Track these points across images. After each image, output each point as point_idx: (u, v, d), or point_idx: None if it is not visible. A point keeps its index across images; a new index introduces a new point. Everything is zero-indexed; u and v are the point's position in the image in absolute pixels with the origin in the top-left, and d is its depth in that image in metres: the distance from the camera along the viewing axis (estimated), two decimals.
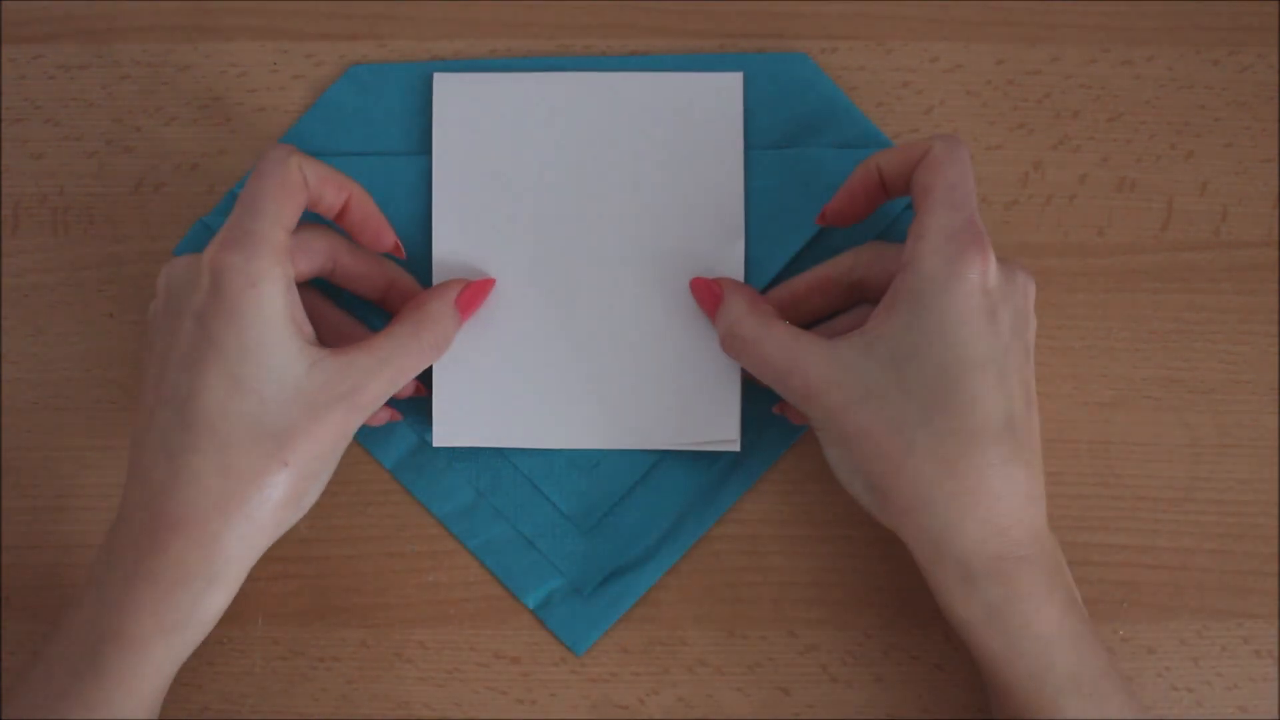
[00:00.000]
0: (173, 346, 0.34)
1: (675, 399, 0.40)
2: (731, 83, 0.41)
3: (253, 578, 0.40)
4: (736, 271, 0.41)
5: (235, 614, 0.41)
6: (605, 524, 0.41)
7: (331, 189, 0.36)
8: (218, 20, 0.43)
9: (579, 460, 0.41)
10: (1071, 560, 0.41)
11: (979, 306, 0.34)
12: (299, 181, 0.35)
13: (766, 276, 0.41)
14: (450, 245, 0.41)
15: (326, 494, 0.41)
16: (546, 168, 0.41)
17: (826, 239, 0.41)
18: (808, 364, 0.35)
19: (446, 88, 0.42)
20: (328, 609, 0.41)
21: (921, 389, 0.34)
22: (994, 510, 0.34)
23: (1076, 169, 0.43)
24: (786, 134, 0.42)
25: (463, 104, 0.41)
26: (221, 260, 0.34)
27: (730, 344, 0.38)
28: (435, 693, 0.41)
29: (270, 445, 0.34)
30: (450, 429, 0.41)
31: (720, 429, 0.40)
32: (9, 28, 0.43)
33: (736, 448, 0.41)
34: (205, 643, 0.40)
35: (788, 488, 0.42)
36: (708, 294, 0.39)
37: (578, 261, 0.41)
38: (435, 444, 0.41)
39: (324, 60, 0.43)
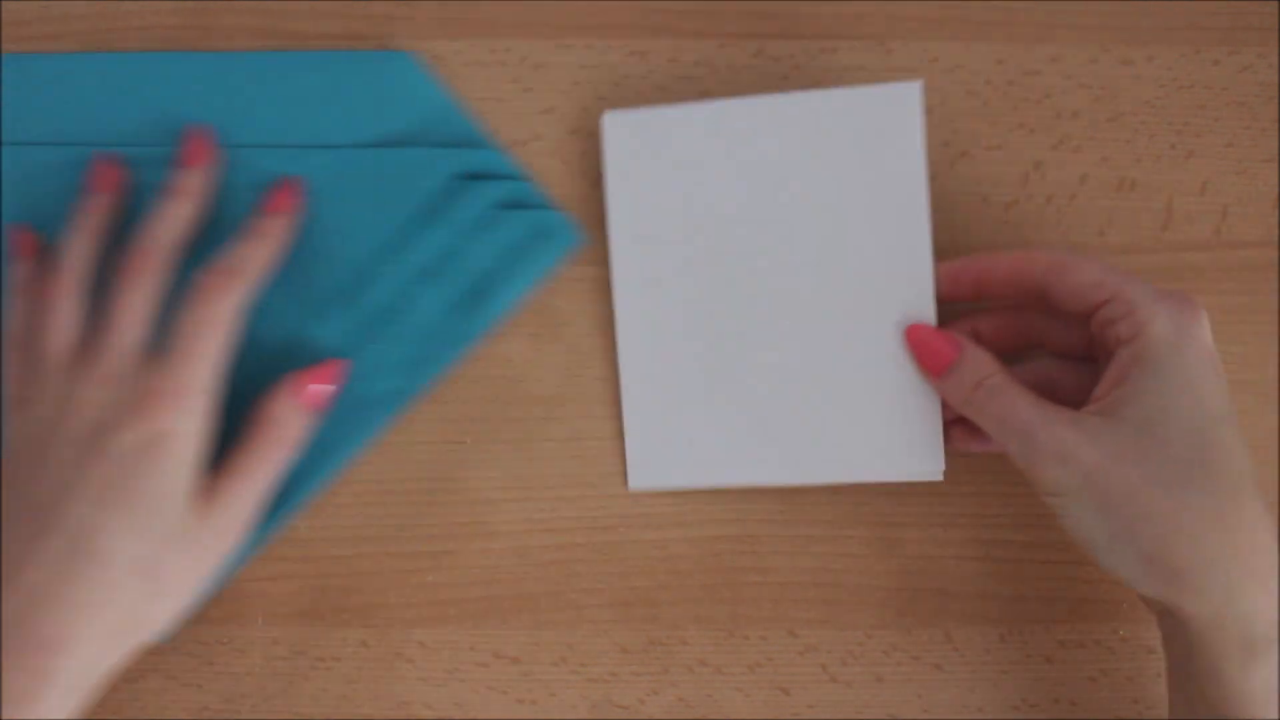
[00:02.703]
0: (83, 479, 0.35)
1: (875, 430, 0.40)
2: (909, 93, 0.39)
3: (253, 578, 0.41)
4: (926, 290, 0.39)
5: (235, 614, 0.41)
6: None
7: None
8: (218, 20, 0.43)
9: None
10: (1071, 560, 0.41)
11: (1209, 362, 0.34)
12: (234, 321, 0.37)
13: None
14: (632, 288, 0.41)
15: (327, 494, 0.41)
16: (723, 199, 0.40)
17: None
18: (1057, 423, 0.35)
19: (616, 127, 0.40)
20: (328, 609, 0.41)
21: (1180, 447, 0.33)
22: (1271, 571, 0.33)
23: (1076, 169, 0.43)
24: (388, 135, 0.41)
25: (633, 143, 0.40)
26: (163, 421, 0.35)
27: (977, 396, 0.37)
28: (435, 693, 0.41)
29: (157, 584, 0.35)
30: (645, 471, 0.41)
31: (923, 459, 0.40)
32: (9, 28, 0.43)
33: (940, 477, 0.40)
34: (205, 642, 0.40)
35: (788, 487, 0.42)
36: (933, 347, 0.39)
37: (763, 294, 0.40)
38: (630, 487, 0.41)
39: None
